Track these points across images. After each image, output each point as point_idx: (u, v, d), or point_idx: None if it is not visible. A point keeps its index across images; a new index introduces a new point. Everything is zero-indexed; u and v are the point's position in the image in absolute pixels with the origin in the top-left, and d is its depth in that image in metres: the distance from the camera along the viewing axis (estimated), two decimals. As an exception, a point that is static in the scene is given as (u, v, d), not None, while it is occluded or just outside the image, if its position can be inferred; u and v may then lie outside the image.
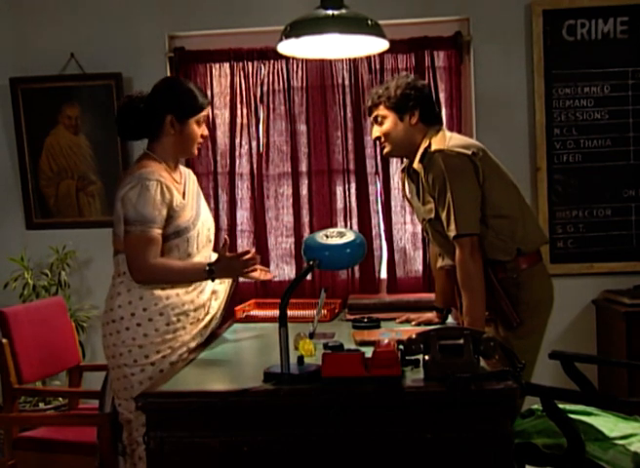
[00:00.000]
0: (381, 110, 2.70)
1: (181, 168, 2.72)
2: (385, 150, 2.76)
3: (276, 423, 1.93)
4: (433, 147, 2.61)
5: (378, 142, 2.81)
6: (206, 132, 2.64)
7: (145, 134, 2.60)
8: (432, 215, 2.66)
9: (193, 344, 2.53)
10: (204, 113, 2.60)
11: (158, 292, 2.47)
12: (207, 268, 2.45)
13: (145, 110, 2.56)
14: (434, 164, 2.58)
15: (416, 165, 2.68)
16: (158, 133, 2.57)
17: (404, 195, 2.98)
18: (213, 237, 2.72)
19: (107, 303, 2.52)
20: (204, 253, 2.62)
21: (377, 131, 2.74)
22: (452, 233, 2.55)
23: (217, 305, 2.67)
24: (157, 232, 2.44)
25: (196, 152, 2.66)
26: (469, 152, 2.57)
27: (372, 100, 2.73)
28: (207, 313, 2.62)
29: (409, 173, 2.79)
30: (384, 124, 2.70)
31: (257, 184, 4.04)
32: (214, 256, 2.60)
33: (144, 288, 2.46)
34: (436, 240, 2.73)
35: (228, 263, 2.47)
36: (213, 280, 2.50)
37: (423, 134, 2.68)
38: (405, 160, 2.87)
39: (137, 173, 2.49)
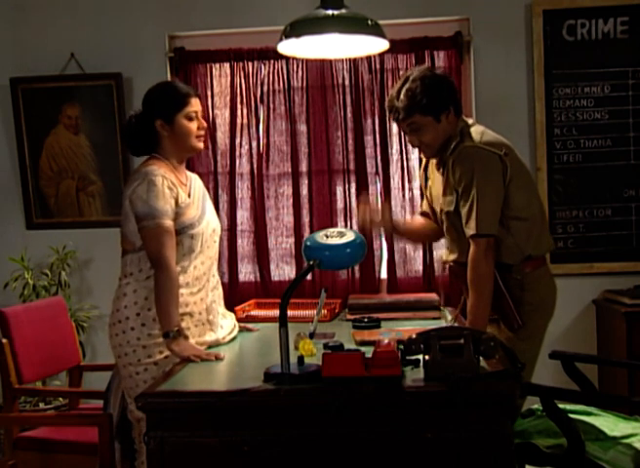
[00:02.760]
0: (418, 118, 2.58)
1: (188, 172, 2.75)
2: (426, 155, 2.72)
3: (276, 423, 1.93)
4: (466, 142, 2.57)
5: (417, 148, 2.74)
6: (204, 124, 2.63)
7: (151, 145, 2.63)
8: (451, 209, 2.62)
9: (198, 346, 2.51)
10: (191, 108, 2.58)
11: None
12: (173, 329, 2.37)
13: (139, 125, 2.61)
14: (465, 158, 2.54)
15: (445, 156, 2.63)
16: (157, 140, 2.60)
17: (423, 185, 2.92)
18: (217, 238, 2.71)
19: (114, 304, 2.54)
20: (208, 253, 2.62)
21: (416, 139, 2.63)
22: (470, 231, 2.53)
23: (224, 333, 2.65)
24: (170, 224, 2.47)
25: (200, 145, 2.64)
26: (501, 152, 2.54)
27: (402, 113, 2.58)
28: (213, 327, 2.61)
29: (438, 164, 2.73)
30: (424, 132, 2.60)
31: (257, 184, 4.04)
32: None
33: (150, 288, 2.46)
34: (449, 233, 2.72)
35: (189, 345, 2.40)
36: (165, 337, 2.38)
37: (455, 125, 2.63)
38: None
39: (142, 170, 2.53)
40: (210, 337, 2.57)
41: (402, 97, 2.58)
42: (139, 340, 2.45)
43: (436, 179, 2.76)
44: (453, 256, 2.73)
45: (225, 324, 2.68)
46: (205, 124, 2.65)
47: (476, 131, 2.61)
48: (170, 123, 2.57)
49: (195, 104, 2.60)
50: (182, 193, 2.55)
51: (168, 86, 2.75)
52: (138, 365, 2.46)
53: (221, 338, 2.60)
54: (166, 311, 2.40)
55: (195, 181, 2.72)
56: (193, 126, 2.59)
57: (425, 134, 2.60)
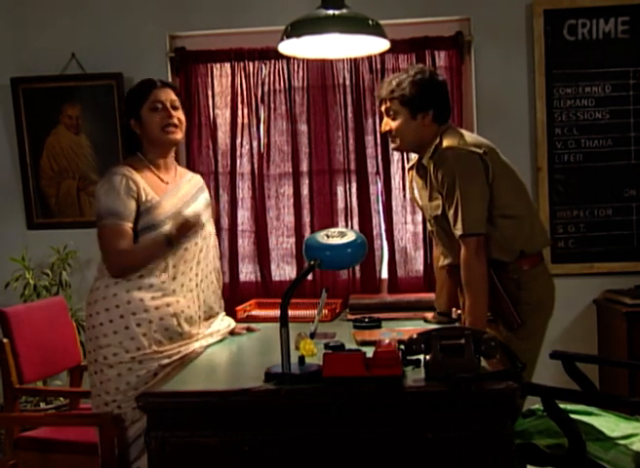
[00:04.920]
0: (395, 105, 2.66)
1: (184, 171, 2.74)
2: (394, 145, 2.75)
3: (277, 423, 1.93)
4: (445, 144, 2.59)
5: (388, 136, 2.77)
6: (171, 113, 2.56)
7: (136, 146, 2.64)
8: (439, 212, 2.64)
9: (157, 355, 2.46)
10: (154, 97, 2.55)
11: (122, 295, 2.47)
12: (164, 238, 2.47)
13: (123, 129, 2.63)
14: (445, 161, 2.57)
15: (425, 161, 2.66)
16: (138, 139, 2.61)
17: (411, 195, 2.95)
18: (202, 242, 2.65)
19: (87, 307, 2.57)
20: (182, 258, 2.57)
21: (387, 124, 2.71)
22: (458, 232, 2.54)
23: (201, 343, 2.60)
24: (128, 226, 2.48)
25: (169, 137, 2.57)
26: (481, 151, 2.56)
27: (385, 93, 2.68)
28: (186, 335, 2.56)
29: (417, 169, 2.78)
30: (396, 119, 2.67)
31: (257, 184, 4.03)
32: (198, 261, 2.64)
33: (111, 287, 2.49)
34: (440, 238, 2.72)
35: (180, 224, 2.49)
36: (171, 245, 2.48)
37: (435, 131, 2.66)
38: (413, 157, 2.86)
39: (109, 170, 2.57)
40: (175, 344, 2.50)
41: (393, 81, 2.68)
42: (97, 339, 2.46)
43: (421, 188, 2.78)
44: (447, 261, 2.74)
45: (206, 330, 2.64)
46: (173, 114, 2.56)
47: (456, 134, 2.64)
48: (138, 119, 2.57)
49: (160, 94, 2.56)
50: (150, 191, 2.53)
51: (136, 84, 2.67)
52: (95, 364, 2.47)
53: (192, 350, 2.53)
54: (148, 249, 2.47)
55: (188, 181, 2.69)
56: (157, 117, 2.55)
57: (397, 123, 2.67)
